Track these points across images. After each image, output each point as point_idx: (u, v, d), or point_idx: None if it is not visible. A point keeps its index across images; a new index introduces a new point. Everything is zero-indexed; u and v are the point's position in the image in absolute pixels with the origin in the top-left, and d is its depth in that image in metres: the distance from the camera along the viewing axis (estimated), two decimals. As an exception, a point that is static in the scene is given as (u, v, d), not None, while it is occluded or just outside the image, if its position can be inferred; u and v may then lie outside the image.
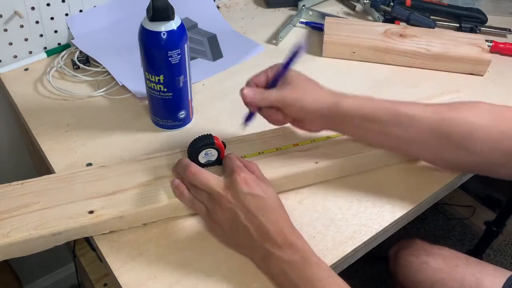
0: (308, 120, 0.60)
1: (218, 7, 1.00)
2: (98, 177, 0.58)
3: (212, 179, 0.53)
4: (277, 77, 0.59)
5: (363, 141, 0.63)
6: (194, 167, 0.55)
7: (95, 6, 0.86)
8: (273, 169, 0.60)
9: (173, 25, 0.61)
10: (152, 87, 0.66)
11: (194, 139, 0.57)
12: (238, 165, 0.54)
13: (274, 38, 0.93)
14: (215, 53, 0.88)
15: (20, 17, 0.78)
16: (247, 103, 0.59)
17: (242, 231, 0.52)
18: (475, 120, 0.55)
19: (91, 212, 0.54)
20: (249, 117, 0.62)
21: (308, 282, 0.48)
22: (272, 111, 0.60)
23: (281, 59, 0.87)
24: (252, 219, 0.51)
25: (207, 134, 0.57)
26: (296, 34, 0.95)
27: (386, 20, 0.97)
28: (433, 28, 0.94)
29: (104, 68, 0.81)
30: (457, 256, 0.82)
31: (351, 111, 0.58)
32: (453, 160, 0.58)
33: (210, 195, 0.53)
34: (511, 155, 0.55)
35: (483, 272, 0.78)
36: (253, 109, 0.61)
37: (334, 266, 0.55)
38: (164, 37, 0.60)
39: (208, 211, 0.54)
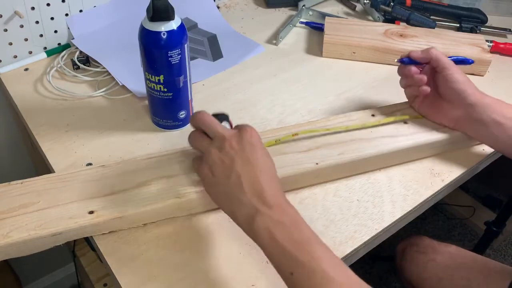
0: (448, 105, 0.64)
1: (218, 7, 1.00)
2: (98, 177, 0.58)
3: (221, 126, 0.53)
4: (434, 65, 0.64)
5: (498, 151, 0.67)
6: (208, 115, 0.53)
7: (95, 6, 0.86)
8: (273, 169, 0.60)
9: (173, 25, 0.61)
10: (152, 87, 0.66)
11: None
12: (250, 127, 0.53)
13: (274, 38, 0.93)
14: (215, 53, 0.88)
15: (20, 17, 0.78)
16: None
17: (234, 180, 0.49)
18: None
19: (91, 212, 0.54)
20: (404, 61, 0.68)
21: (296, 244, 0.45)
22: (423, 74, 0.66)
23: (281, 59, 0.87)
24: (248, 170, 0.49)
25: (222, 112, 0.57)
26: (296, 34, 0.95)
27: (386, 20, 0.97)
28: (433, 28, 0.94)
29: (104, 68, 0.81)
30: (464, 254, 0.82)
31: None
32: None
33: (213, 139, 0.52)
34: None
35: (491, 270, 0.78)
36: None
37: (334, 266, 0.55)
38: (164, 37, 0.60)
39: (205, 153, 0.52)
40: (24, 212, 0.54)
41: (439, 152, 0.69)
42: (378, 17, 0.98)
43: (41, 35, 0.82)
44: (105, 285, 0.94)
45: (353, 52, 0.87)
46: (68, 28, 0.84)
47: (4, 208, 0.54)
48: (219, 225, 0.58)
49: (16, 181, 0.57)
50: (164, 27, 0.60)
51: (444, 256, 0.81)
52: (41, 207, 0.54)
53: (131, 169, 0.59)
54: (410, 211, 0.62)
